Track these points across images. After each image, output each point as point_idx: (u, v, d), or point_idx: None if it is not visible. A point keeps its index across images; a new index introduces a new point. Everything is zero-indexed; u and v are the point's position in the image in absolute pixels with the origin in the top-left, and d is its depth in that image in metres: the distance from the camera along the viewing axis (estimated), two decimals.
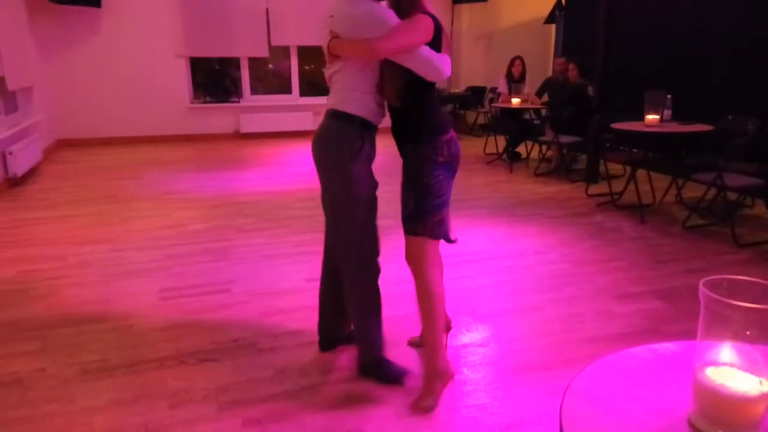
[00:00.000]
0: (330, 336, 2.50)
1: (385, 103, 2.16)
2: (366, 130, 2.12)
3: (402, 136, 2.12)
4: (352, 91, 2.08)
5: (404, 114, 2.08)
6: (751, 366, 0.87)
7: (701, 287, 0.87)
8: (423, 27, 1.95)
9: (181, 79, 8.40)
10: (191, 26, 8.20)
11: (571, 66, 6.29)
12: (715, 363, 0.89)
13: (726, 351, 0.89)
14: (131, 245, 3.89)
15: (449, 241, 2.20)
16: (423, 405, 2.10)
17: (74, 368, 2.39)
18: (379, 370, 2.28)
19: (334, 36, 2.03)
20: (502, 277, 3.34)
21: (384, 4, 2.07)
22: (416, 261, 2.11)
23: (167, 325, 2.74)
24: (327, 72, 2.16)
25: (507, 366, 2.39)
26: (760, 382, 0.86)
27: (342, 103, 2.09)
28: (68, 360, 2.45)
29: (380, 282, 2.23)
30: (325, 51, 2.10)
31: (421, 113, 2.08)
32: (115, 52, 8.01)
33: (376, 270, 2.22)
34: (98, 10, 7.71)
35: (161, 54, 8.18)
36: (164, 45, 8.15)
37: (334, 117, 2.11)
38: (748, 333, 0.85)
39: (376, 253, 2.22)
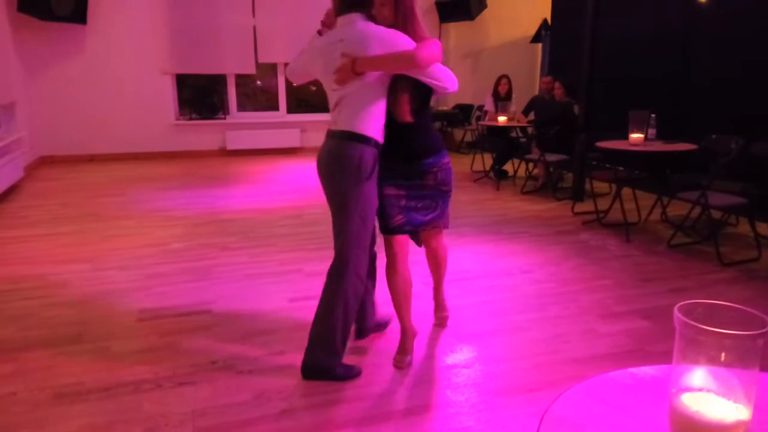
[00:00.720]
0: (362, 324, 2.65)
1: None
2: (378, 149, 2.27)
3: (416, 151, 2.34)
4: (369, 113, 2.21)
5: (416, 129, 2.30)
6: (726, 391, 0.85)
7: (676, 312, 0.85)
8: (438, 45, 2.17)
9: (167, 95, 8.38)
10: (178, 43, 8.20)
11: (557, 85, 6.34)
12: (691, 388, 0.87)
13: (702, 376, 0.86)
14: (112, 264, 3.83)
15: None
16: (444, 323, 2.90)
17: (47, 392, 2.32)
18: (331, 373, 2.36)
19: (351, 57, 2.12)
20: (487, 296, 3.32)
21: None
22: (438, 245, 2.64)
23: (145, 347, 2.68)
24: (337, 93, 2.24)
25: (491, 388, 2.36)
26: (736, 408, 0.84)
27: (360, 125, 2.20)
28: (41, 384, 2.38)
29: None
30: (334, 74, 2.19)
31: (430, 127, 2.43)
32: (101, 69, 7.98)
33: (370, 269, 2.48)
34: (84, 27, 7.70)
35: (147, 70, 8.17)
36: (150, 61, 8.15)
37: (353, 138, 2.21)
38: (723, 357, 0.83)
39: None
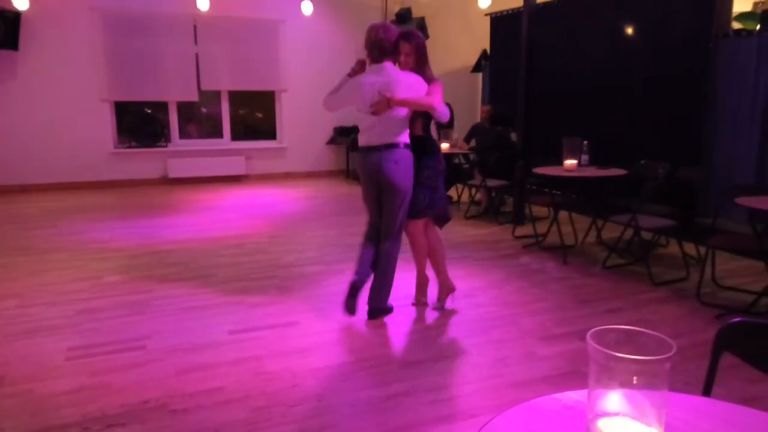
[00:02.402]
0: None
1: None
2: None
3: (422, 154, 3.25)
4: (404, 130, 3.16)
5: (422, 140, 3.28)
6: (640, 414, 0.88)
7: (588, 339, 0.88)
8: (441, 88, 3.16)
9: (105, 123, 8.13)
10: (117, 70, 8.00)
11: (484, 109, 6.60)
12: (607, 413, 0.90)
13: (616, 400, 0.89)
14: (39, 300, 3.63)
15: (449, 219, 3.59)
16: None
17: None
18: (385, 311, 3.35)
19: (388, 95, 2.98)
20: (430, 322, 3.33)
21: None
22: (417, 233, 3.36)
23: (72, 388, 2.54)
24: (374, 118, 3.08)
25: (434, 415, 2.35)
26: (650, 431, 0.86)
27: (401, 137, 3.14)
28: None
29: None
30: (371, 107, 3.02)
31: (431, 139, 3.37)
32: (33, 96, 7.68)
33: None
34: (15, 54, 7.41)
35: (83, 98, 7.92)
36: (87, 89, 7.90)
37: (403, 147, 3.15)
38: (634, 381, 0.86)
39: None
